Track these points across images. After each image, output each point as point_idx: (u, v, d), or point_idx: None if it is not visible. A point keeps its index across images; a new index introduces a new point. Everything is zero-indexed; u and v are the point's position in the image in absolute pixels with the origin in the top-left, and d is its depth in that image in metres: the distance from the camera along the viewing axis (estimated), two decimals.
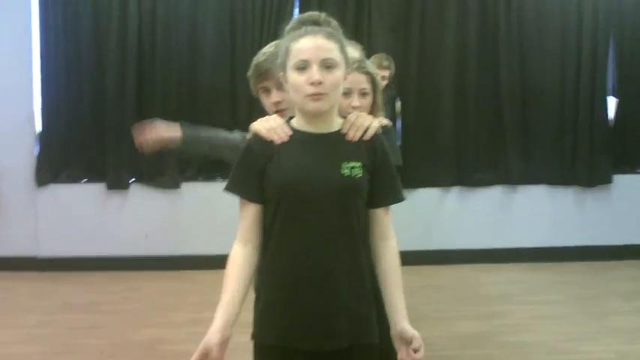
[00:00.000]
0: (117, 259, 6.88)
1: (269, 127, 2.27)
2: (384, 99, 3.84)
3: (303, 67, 2.16)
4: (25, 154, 6.96)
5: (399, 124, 6.94)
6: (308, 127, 2.25)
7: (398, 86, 6.82)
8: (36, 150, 6.99)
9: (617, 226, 7.08)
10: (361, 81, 2.87)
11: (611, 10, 7.07)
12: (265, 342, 2.27)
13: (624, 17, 7.13)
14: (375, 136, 2.28)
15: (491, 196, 7.13)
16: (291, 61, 2.18)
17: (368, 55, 3.74)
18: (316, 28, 2.21)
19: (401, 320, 2.21)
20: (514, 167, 7.09)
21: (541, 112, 7.09)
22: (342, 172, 2.18)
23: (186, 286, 6.29)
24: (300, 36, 2.19)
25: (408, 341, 2.18)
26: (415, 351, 2.17)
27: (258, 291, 2.32)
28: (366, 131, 2.27)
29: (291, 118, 2.32)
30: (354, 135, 2.25)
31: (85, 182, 7.09)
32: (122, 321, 5.40)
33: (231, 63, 6.92)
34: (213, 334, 2.14)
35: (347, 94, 2.81)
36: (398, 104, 6.93)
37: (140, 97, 6.97)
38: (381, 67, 5.83)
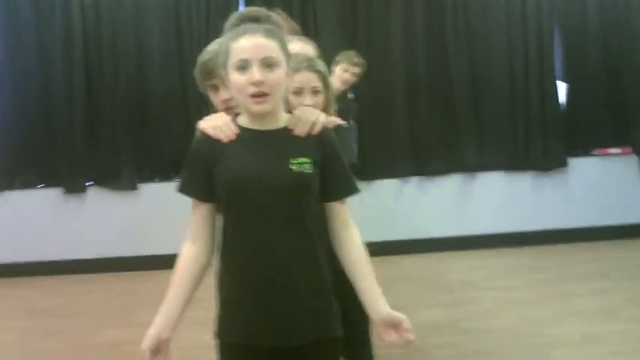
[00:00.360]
0: (76, 263, 6.80)
1: (215, 125, 2.24)
2: (348, 103, 3.86)
3: (243, 66, 2.12)
4: None
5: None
6: (255, 125, 2.22)
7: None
8: None
9: (573, 209, 7.16)
10: (312, 79, 2.87)
11: None
12: (229, 340, 2.25)
13: (567, 2, 7.21)
14: (323, 130, 2.26)
15: (449, 184, 7.17)
16: (232, 61, 2.15)
17: (328, 53, 3.72)
18: (255, 26, 2.17)
19: (382, 306, 2.20)
20: (470, 155, 7.14)
21: (493, 100, 7.15)
22: (291, 169, 2.15)
23: (147, 286, 6.23)
24: (240, 35, 2.15)
25: (396, 324, 2.17)
26: (406, 331, 2.16)
27: (218, 290, 2.30)
28: (313, 126, 2.25)
29: (237, 114, 2.29)
30: (301, 130, 2.22)
31: (40, 187, 6.99)
32: (83, 324, 5.35)
33: (178, 63, 6.89)
34: (148, 334, 2.19)
35: (298, 92, 2.82)
36: (350, 95, 6.94)
37: (89, 99, 6.92)
38: (352, 63, 5.84)
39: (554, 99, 7.19)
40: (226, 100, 2.60)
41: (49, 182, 6.98)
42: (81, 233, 6.91)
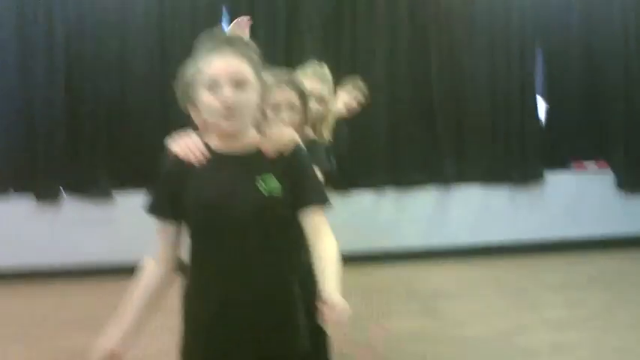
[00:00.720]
0: (49, 270, 6.76)
1: (185, 146, 2.20)
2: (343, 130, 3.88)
3: (213, 86, 2.08)
4: None
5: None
6: (224, 146, 2.18)
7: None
8: None
9: (549, 222, 7.23)
10: (290, 96, 2.88)
11: (538, 13, 7.28)
12: None
13: (550, 20, 7.33)
14: (294, 149, 2.21)
15: (426, 195, 7.20)
16: (202, 80, 2.11)
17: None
18: (226, 45, 2.14)
19: (331, 290, 2.05)
20: (448, 167, 7.18)
21: (473, 113, 7.20)
22: (259, 192, 2.11)
23: (122, 294, 6.20)
24: (210, 54, 2.12)
25: (332, 306, 2.03)
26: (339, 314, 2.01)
27: (182, 314, 2.26)
28: (284, 147, 2.20)
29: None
30: (271, 152, 2.17)
31: (14, 194, 6.94)
32: (50, 331, 5.31)
33: (160, 74, 6.83)
34: (100, 346, 2.20)
35: (276, 108, 2.82)
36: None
37: (69, 105, 6.87)
38: (357, 87, 5.79)
39: (533, 113, 7.29)
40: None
41: (24, 189, 6.92)
42: (54, 241, 6.86)
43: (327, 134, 3.47)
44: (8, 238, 6.78)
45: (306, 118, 2.96)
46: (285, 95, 2.86)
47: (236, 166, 2.16)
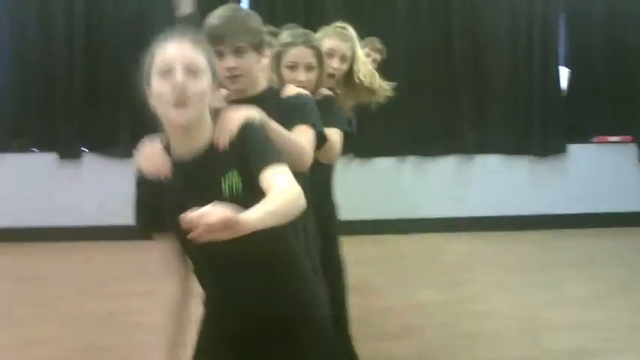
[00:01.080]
0: (71, 230, 6.78)
1: (149, 160, 2.15)
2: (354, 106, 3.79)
3: (166, 71, 2.01)
4: None
5: None
6: (182, 148, 2.08)
7: None
8: None
9: (570, 195, 7.18)
10: (307, 55, 2.82)
11: None
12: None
13: None
14: (242, 128, 2.06)
15: (447, 165, 7.16)
16: (155, 65, 2.04)
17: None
18: (182, 33, 2.08)
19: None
20: (469, 137, 7.13)
21: (495, 83, 7.14)
22: (224, 195, 2.00)
23: (142, 256, 6.21)
24: (166, 40, 2.06)
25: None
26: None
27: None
28: (231, 132, 2.07)
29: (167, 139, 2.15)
30: (223, 143, 2.05)
31: (35, 152, 6.97)
32: (77, 292, 5.33)
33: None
34: None
35: (292, 67, 2.79)
36: None
37: (89, 65, 6.88)
38: (374, 49, 5.75)
39: (556, 84, 7.19)
40: (231, 69, 2.49)
41: (45, 147, 6.95)
42: (75, 200, 6.89)
43: (352, 95, 3.41)
44: (29, 196, 6.82)
45: (322, 78, 2.91)
46: (301, 54, 2.82)
47: (196, 177, 2.06)
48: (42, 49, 6.86)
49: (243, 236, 1.77)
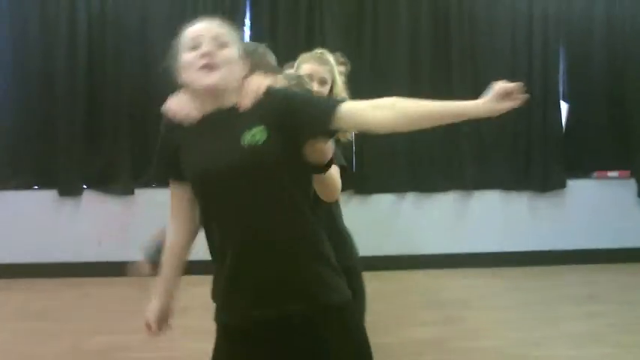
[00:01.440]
0: (70, 266, 6.79)
1: (178, 104, 2.25)
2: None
3: (194, 46, 2.12)
4: None
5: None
6: (205, 108, 2.18)
7: (350, 89, 6.83)
8: None
9: (570, 231, 7.16)
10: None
11: (561, 16, 7.17)
12: (223, 322, 2.23)
13: (573, 23, 7.23)
14: (269, 89, 2.18)
15: (447, 201, 7.16)
16: (184, 44, 2.15)
17: None
18: (211, 18, 2.21)
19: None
20: (468, 173, 7.14)
21: (495, 118, 7.12)
22: (243, 147, 2.06)
23: (141, 292, 6.21)
24: (194, 22, 2.19)
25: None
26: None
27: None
28: (257, 91, 2.17)
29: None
30: (246, 101, 2.14)
31: (36, 189, 6.99)
32: (76, 328, 5.32)
33: None
34: (148, 313, 2.34)
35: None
36: None
37: (90, 102, 6.92)
38: (338, 62, 5.79)
39: (556, 120, 7.20)
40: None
41: (46, 184, 6.98)
42: (75, 236, 6.90)
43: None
44: (30, 232, 6.84)
45: (333, 93, 3.13)
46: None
47: (217, 129, 2.14)
48: (43, 87, 6.89)
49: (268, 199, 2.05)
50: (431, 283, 6.49)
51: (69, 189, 6.93)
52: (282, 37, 6.79)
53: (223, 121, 2.14)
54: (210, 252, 2.23)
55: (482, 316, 5.50)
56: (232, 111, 2.14)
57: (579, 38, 7.26)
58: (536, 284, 6.44)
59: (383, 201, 7.09)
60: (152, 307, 2.33)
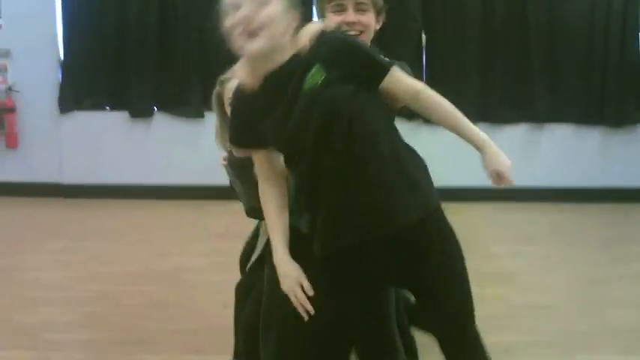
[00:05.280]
0: (141, 187, 6.93)
1: (243, 73, 2.21)
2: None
3: (235, 6, 2.08)
4: (49, 81, 6.98)
5: (424, 57, 6.90)
6: (264, 69, 2.14)
7: (423, 20, 6.72)
8: (59, 77, 6.99)
9: None
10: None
11: None
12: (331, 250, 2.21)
13: None
14: (324, 33, 2.14)
15: (517, 133, 7.05)
16: (225, 9, 2.12)
17: None
18: None
19: (488, 159, 2.42)
20: (540, 105, 6.99)
21: (569, 49, 6.95)
22: (304, 92, 2.07)
23: (208, 215, 6.33)
24: None
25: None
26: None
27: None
28: (311, 34, 2.13)
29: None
30: (302, 45, 2.11)
31: (108, 110, 7.10)
32: (145, 249, 5.45)
33: None
34: (288, 272, 2.22)
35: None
36: (423, 38, 6.83)
37: (163, 25, 6.96)
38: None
39: (633, 54, 6.97)
40: (351, 23, 2.48)
41: (117, 105, 7.09)
42: (146, 158, 7.03)
43: None
44: (101, 153, 6.99)
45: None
46: None
47: (283, 83, 2.11)
48: (117, 11, 6.96)
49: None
50: (498, 216, 6.46)
51: (140, 111, 7.02)
52: None
53: (285, 76, 2.10)
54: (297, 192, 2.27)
55: (548, 252, 5.44)
56: (291, 60, 2.11)
57: None
58: (605, 222, 6.36)
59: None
60: (295, 272, 2.23)
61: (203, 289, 4.50)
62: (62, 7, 6.94)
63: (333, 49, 2.11)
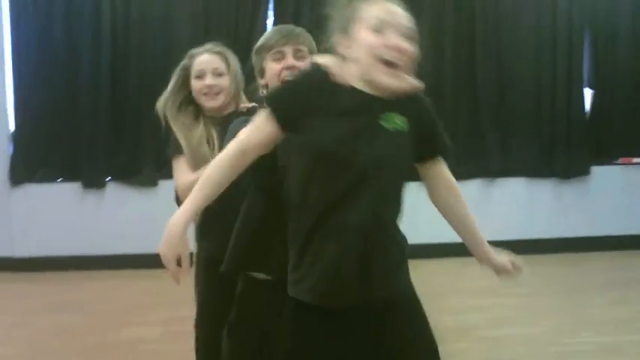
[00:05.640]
0: (94, 258, 6.83)
1: (333, 63, 2.14)
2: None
3: (380, 29, 2.05)
4: None
5: None
6: (360, 86, 2.11)
7: None
8: (10, 149, 6.93)
9: (594, 218, 7.11)
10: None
11: (586, 1, 7.10)
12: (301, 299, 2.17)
13: (598, 7, 7.15)
14: (416, 92, 2.28)
15: (470, 188, 7.11)
16: (365, 20, 2.06)
17: None
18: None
19: (493, 258, 2.48)
20: (492, 160, 7.09)
21: (518, 105, 7.09)
22: (388, 128, 2.15)
23: (164, 284, 6.22)
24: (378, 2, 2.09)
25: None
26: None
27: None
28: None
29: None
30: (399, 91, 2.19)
31: (60, 181, 7.03)
32: (101, 321, 5.35)
33: None
34: (174, 241, 2.28)
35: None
36: None
37: (114, 95, 6.94)
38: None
39: (580, 106, 7.14)
40: (290, 67, 2.54)
41: (69, 176, 7.02)
42: (100, 229, 6.94)
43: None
44: (56, 225, 6.90)
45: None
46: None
47: (362, 109, 2.08)
48: (67, 81, 6.92)
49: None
50: (455, 272, 6.45)
51: (93, 181, 6.97)
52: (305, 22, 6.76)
53: (367, 105, 2.09)
54: (293, 231, 2.18)
55: (508, 304, 5.46)
56: (379, 99, 2.11)
57: (604, 23, 7.18)
58: (560, 272, 6.42)
59: (407, 189, 7.03)
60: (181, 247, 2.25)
61: (160, 359, 4.42)
62: (13, 79, 6.91)
63: (422, 106, 2.22)
